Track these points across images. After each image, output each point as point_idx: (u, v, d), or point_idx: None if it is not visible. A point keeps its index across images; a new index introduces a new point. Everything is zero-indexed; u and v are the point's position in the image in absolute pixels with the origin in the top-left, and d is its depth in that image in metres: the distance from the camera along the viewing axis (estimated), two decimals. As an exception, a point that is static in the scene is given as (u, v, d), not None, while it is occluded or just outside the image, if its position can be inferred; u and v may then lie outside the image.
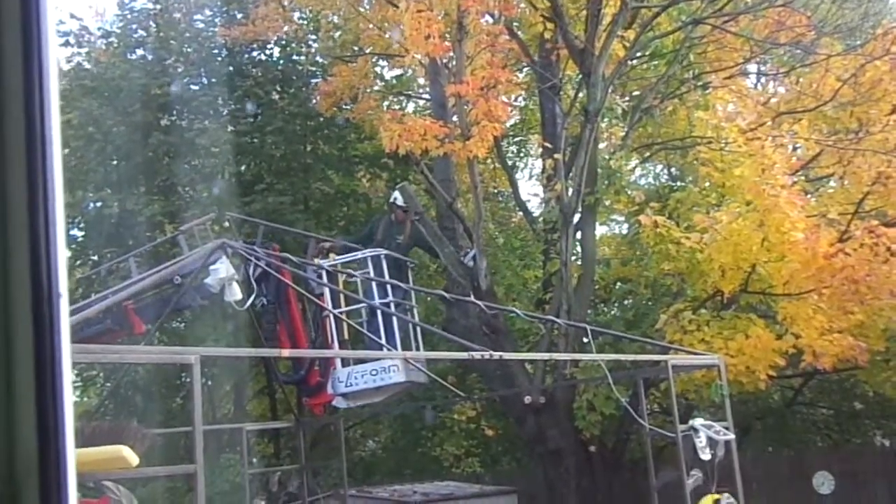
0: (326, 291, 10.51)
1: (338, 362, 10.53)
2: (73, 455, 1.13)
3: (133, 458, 5.59)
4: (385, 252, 11.00)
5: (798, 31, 14.96)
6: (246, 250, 9.87)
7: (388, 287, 10.71)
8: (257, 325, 11.49)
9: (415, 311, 11.84)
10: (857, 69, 14.01)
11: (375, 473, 19.52)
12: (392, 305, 10.63)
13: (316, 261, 10.89)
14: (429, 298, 15.74)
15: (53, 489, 1.12)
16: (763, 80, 18.77)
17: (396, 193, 12.40)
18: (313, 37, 19.71)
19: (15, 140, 1.14)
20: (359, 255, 11.11)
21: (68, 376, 1.13)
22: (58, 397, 1.12)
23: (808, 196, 13.59)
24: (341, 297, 10.82)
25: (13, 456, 1.12)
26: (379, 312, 10.49)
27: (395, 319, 10.54)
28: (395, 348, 10.21)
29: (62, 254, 1.15)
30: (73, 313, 8.96)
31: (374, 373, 10.33)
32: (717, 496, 9.28)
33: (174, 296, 10.41)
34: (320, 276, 10.56)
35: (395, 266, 11.07)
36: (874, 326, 12.19)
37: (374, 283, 10.64)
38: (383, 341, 10.18)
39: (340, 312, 10.38)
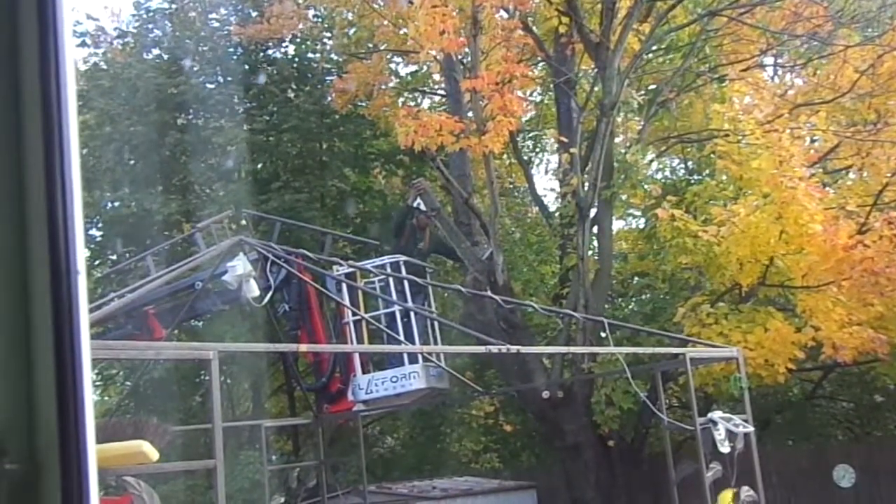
0: (347, 297, 10.51)
1: (358, 370, 10.53)
2: (93, 431, 1.14)
3: (153, 454, 5.62)
4: (404, 258, 11.00)
5: (815, 22, 14.86)
6: (262, 246, 9.89)
7: (408, 292, 10.71)
8: (278, 329, 11.55)
9: (433, 310, 11.84)
10: (875, 60, 13.92)
11: (394, 469, 19.53)
12: (411, 312, 10.60)
13: (335, 268, 10.88)
14: (446, 294, 15.75)
15: (74, 465, 1.13)
16: (780, 71, 18.66)
17: (419, 199, 12.37)
18: (328, 34, 19.73)
19: (32, 115, 1.15)
20: (377, 261, 11.13)
21: (87, 352, 1.14)
22: (77, 373, 1.13)
23: (827, 188, 13.50)
24: (361, 302, 10.84)
25: (34, 432, 1.13)
26: (398, 316, 10.49)
27: (414, 323, 10.53)
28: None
29: (80, 230, 1.16)
30: (91, 311, 9.01)
31: (394, 379, 10.34)
32: (734, 490, 9.25)
33: (196, 301, 10.48)
34: (339, 284, 10.57)
35: (414, 272, 11.06)
36: (894, 318, 12.09)
37: (393, 289, 10.63)
38: (402, 340, 10.18)
39: (360, 319, 10.38)
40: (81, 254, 1.17)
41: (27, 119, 1.17)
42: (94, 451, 1.14)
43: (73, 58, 1.24)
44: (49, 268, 1.13)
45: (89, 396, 1.12)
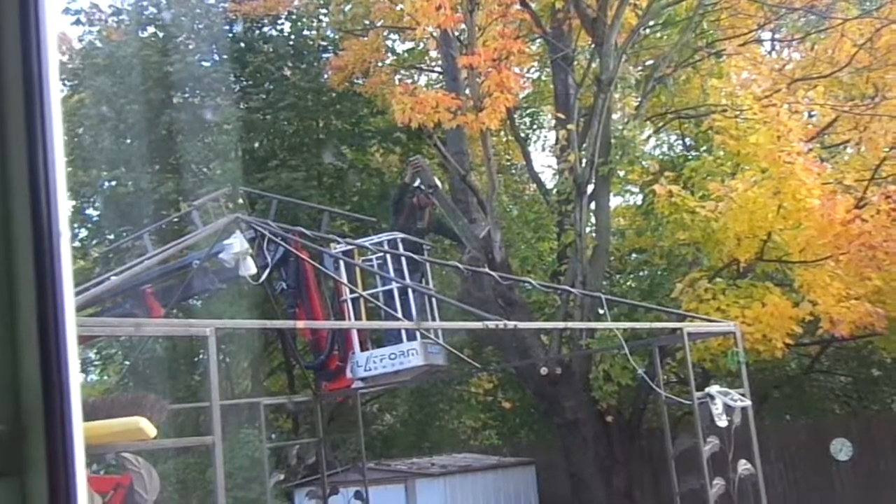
0: (344, 275, 10.49)
1: (356, 347, 10.52)
2: (77, 392, 1.13)
3: (151, 430, 5.62)
4: (402, 236, 10.97)
5: (813, -5, 14.80)
6: (259, 224, 9.87)
7: (405, 270, 10.70)
8: (276, 308, 11.54)
9: (431, 288, 11.83)
10: (872, 34, 13.87)
11: (393, 447, 19.60)
12: (409, 289, 10.59)
13: (332, 246, 10.86)
14: (444, 272, 15.75)
15: (58, 427, 1.12)
16: (777, 46, 18.60)
17: (418, 178, 12.30)
18: (324, 11, 19.66)
19: (13, 77, 1.14)
20: (375, 238, 11.10)
21: (71, 314, 1.13)
22: (60, 335, 1.13)
23: (824, 163, 13.48)
24: (359, 280, 10.82)
25: (18, 394, 1.12)
26: (396, 293, 10.48)
27: (412, 301, 10.52)
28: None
29: (62, 193, 1.15)
30: (89, 290, 9.01)
31: (392, 357, 10.32)
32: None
33: (193, 279, 10.47)
34: (337, 262, 10.55)
35: (413, 249, 11.04)
36: (892, 292, 12.10)
37: (391, 267, 10.62)
38: (400, 317, 10.18)
39: (358, 296, 10.37)
40: (65, 215, 1.16)
41: (8, 81, 1.16)
42: (79, 413, 1.14)
43: (55, 21, 1.22)
44: (32, 229, 1.12)
45: (74, 357, 1.12)
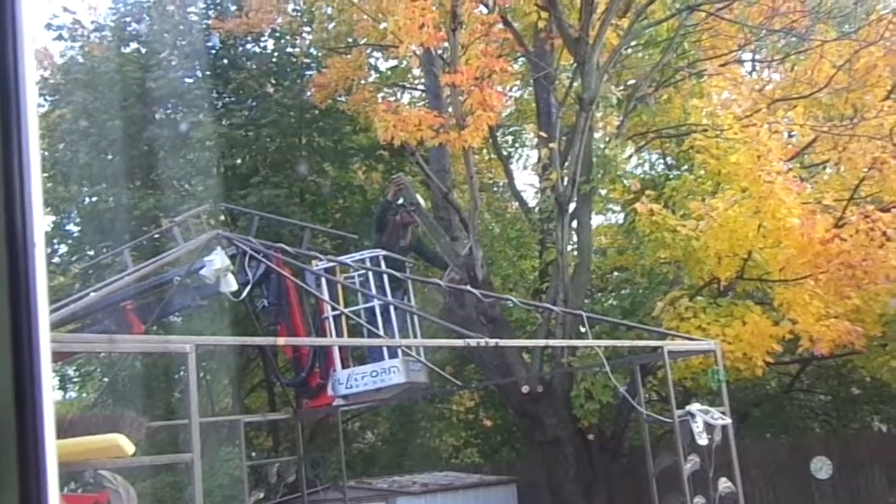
0: (326, 292, 10.46)
1: (337, 364, 10.48)
2: (51, 410, 1.12)
3: (129, 447, 5.58)
4: (384, 253, 10.96)
5: (792, 17, 14.93)
6: (241, 240, 9.83)
7: (388, 287, 10.68)
8: (257, 325, 11.49)
9: (413, 305, 11.81)
10: (851, 55, 14.01)
11: (375, 465, 19.53)
12: (391, 307, 10.56)
13: (314, 263, 10.83)
14: (426, 289, 15.74)
15: (31, 444, 1.11)
16: (758, 67, 18.76)
17: (401, 196, 12.28)
18: (307, 28, 19.67)
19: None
20: (356, 255, 11.08)
21: (45, 329, 1.12)
22: (34, 351, 1.11)
23: (804, 182, 13.57)
24: (340, 297, 10.79)
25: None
26: (378, 311, 10.46)
27: (394, 318, 10.50)
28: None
29: (38, 203, 1.14)
30: (65, 307, 8.96)
31: (374, 374, 10.29)
32: None
33: (174, 296, 10.42)
34: (319, 279, 10.52)
35: (394, 266, 11.02)
36: (870, 311, 12.20)
37: (373, 284, 10.59)
38: (382, 335, 10.15)
39: (340, 313, 10.34)
40: (40, 226, 1.15)
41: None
42: (52, 430, 1.12)
43: (32, 29, 1.22)
44: (6, 240, 1.11)
45: (47, 373, 1.11)
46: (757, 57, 18.63)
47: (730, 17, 15.54)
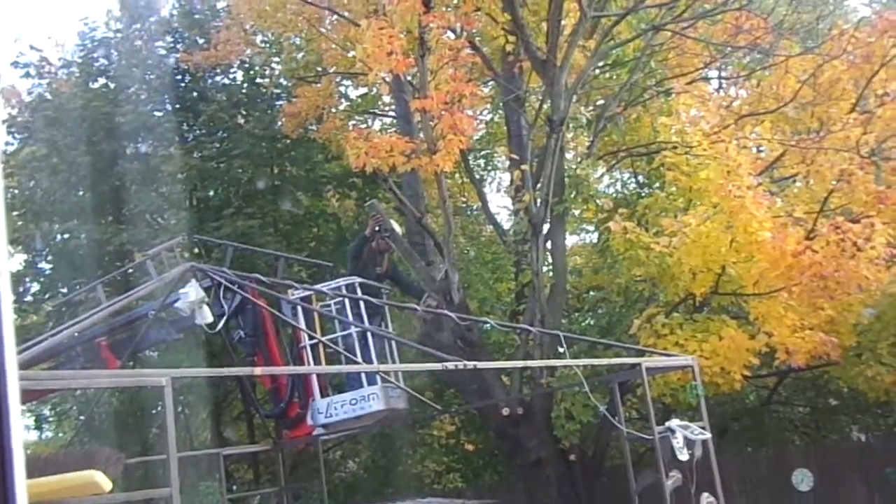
0: (303, 321, 10.43)
1: (316, 393, 10.44)
2: (20, 450, 1.11)
3: (106, 484, 5.52)
4: (360, 280, 10.94)
5: (756, 34, 15.14)
6: (215, 272, 9.79)
7: (364, 314, 10.66)
8: (234, 356, 11.43)
9: (390, 331, 11.79)
10: (815, 69, 14.18)
11: (357, 493, 19.37)
12: (368, 333, 10.53)
13: (290, 292, 10.78)
14: (403, 315, 15.71)
15: (0, 485, 1.10)
16: (724, 83, 18.95)
17: (379, 224, 12.22)
18: (276, 59, 19.72)
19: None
20: (332, 283, 11.06)
21: (11, 352, 1.11)
22: (2, 390, 1.10)
23: (774, 196, 13.68)
24: (317, 325, 10.76)
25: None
26: (356, 338, 10.43)
27: (372, 345, 10.48)
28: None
29: (3, 231, 1.13)
30: (37, 344, 8.87)
31: (353, 402, 10.25)
32: None
33: (149, 330, 10.35)
34: (295, 308, 10.48)
35: (370, 293, 11.00)
36: (844, 322, 12.28)
37: (350, 311, 10.57)
38: (360, 361, 10.12)
39: (318, 342, 10.30)
40: (4, 253, 1.14)
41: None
42: (22, 471, 1.11)
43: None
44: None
45: (17, 412, 1.09)
46: (723, 74, 18.84)
47: (695, 36, 15.73)
